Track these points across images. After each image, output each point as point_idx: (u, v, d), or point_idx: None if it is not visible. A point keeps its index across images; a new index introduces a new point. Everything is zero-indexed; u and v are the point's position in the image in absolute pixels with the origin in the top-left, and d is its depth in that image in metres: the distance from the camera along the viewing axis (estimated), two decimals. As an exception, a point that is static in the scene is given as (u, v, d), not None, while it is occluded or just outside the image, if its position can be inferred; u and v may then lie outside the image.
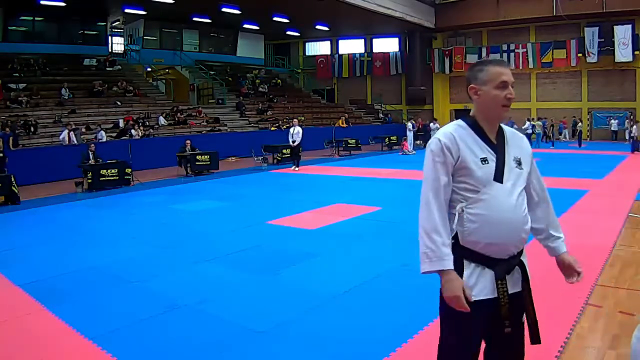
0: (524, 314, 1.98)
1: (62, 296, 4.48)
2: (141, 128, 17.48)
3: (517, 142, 2.03)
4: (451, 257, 1.86)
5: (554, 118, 24.58)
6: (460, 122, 2.00)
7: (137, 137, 16.43)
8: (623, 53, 23.49)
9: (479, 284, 1.88)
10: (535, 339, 1.97)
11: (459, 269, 1.88)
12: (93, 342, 3.49)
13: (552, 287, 4.25)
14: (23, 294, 4.55)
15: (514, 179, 1.92)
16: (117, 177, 12.11)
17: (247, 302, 4.26)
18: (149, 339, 3.55)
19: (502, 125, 2.03)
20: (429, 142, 1.98)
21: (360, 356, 3.21)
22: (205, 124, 20.97)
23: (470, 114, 2.01)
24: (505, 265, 1.90)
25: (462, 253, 1.90)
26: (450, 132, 1.94)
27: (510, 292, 1.90)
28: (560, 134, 25.15)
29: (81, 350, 3.41)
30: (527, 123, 21.98)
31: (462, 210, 1.89)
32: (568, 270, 2.07)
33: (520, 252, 1.97)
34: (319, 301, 4.22)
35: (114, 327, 3.76)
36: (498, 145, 1.95)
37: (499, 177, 1.89)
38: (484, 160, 1.90)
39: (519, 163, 1.96)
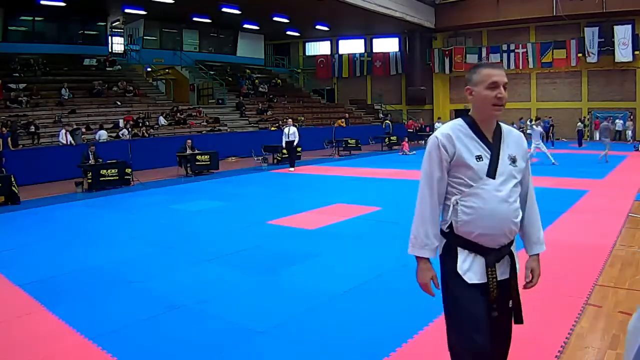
0: (510, 300, 2.11)
1: (62, 296, 4.48)
2: (142, 128, 17.48)
3: (513, 141, 2.13)
4: (432, 247, 2.05)
5: (553, 118, 24.56)
6: (459, 120, 2.12)
7: (125, 137, 16.30)
8: (623, 53, 23.48)
9: (472, 270, 2.02)
10: (519, 319, 2.12)
11: (453, 255, 2.05)
12: (93, 342, 3.49)
13: (552, 287, 4.25)
14: (23, 294, 4.55)
15: (507, 175, 2.03)
16: (117, 177, 12.11)
17: (247, 302, 4.26)
18: (149, 339, 3.55)
19: (500, 124, 2.14)
20: (428, 139, 2.13)
21: (360, 356, 3.21)
22: (205, 124, 20.97)
23: (469, 113, 2.13)
24: (496, 254, 2.04)
25: (456, 241, 2.05)
26: (447, 130, 2.07)
27: (500, 278, 2.05)
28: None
29: (81, 350, 3.40)
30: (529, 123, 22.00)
31: (457, 203, 2.04)
32: (530, 272, 2.20)
33: (511, 243, 2.09)
34: (319, 301, 4.22)
35: (114, 327, 3.76)
36: (494, 144, 2.06)
37: (491, 173, 2.01)
38: (479, 158, 2.02)
39: (513, 161, 2.07)
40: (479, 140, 2.04)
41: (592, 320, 3.62)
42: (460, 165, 2.01)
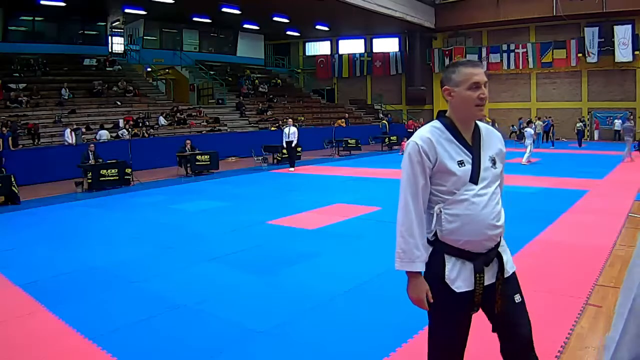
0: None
1: (62, 296, 4.48)
2: (142, 128, 17.48)
3: (492, 141, 2.07)
4: (422, 259, 1.95)
5: (553, 118, 24.54)
6: (436, 123, 2.03)
7: (125, 137, 16.28)
8: (623, 53, 23.49)
9: (461, 277, 1.95)
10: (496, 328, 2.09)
11: (440, 261, 1.97)
12: (93, 342, 3.49)
13: (552, 287, 4.25)
14: (23, 294, 4.55)
15: (489, 179, 1.98)
16: (117, 177, 12.12)
17: (247, 302, 4.25)
18: (149, 339, 3.55)
19: (478, 123, 2.06)
20: (406, 144, 2.03)
21: (360, 356, 3.21)
22: (205, 124, 20.97)
23: (446, 114, 2.04)
24: (484, 258, 1.97)
25: (443, 249, 1.97)
26: (426, 135, 1.97)
27: (489, 282, 1.98)
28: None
29: (81, 350, 3.40)
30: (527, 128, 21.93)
31: (440, 211, 1.96)
32: None
33: (498, 244, 2.03)
34: (319, 301, 4.22)
35: (114, 327, 3.76)
36: (474, 146, 1.99)
37: (474, 178, 1.94)
38: (461, 163, 1.94)
39: (493, 162, 2.01)
40: (459, 144, 1.96)
41: (592, 320, 3.62)
42: (443, 172, 1.93)
